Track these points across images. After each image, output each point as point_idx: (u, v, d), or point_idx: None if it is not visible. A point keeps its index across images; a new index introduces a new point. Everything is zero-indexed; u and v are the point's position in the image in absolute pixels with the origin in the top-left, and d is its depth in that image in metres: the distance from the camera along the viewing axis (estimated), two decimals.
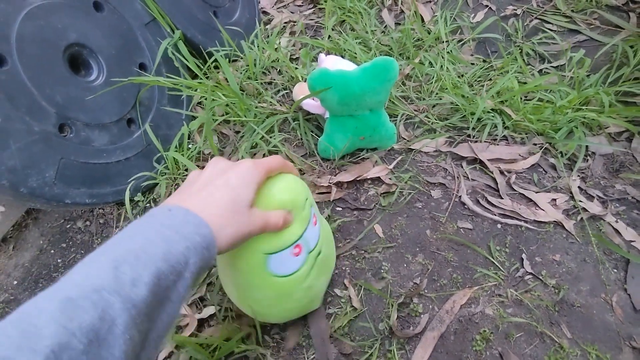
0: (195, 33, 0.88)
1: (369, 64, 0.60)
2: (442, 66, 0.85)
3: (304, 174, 0.72)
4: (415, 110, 0.80)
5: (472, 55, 0.92)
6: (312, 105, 0.72)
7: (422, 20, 1.00)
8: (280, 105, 0.83)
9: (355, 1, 1.04)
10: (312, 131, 0.77)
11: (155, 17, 0.81)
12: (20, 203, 0.77)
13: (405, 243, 0.62)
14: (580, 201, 0.64)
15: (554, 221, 0.62)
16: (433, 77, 0.84)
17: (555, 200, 0.65)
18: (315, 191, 0.69)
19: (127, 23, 0.76)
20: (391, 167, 0.71)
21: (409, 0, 1.05)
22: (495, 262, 0.59)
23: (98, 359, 0.24)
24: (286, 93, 0.87)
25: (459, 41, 0.95)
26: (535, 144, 0.72)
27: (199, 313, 0.57)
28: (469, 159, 0.72)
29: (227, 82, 0.80)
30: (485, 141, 0.73)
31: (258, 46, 0.94)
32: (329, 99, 0.62)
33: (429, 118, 0.78)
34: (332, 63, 0.71)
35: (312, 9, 1.14)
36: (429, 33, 0.95)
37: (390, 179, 0.69)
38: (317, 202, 0.68)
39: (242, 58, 0.95)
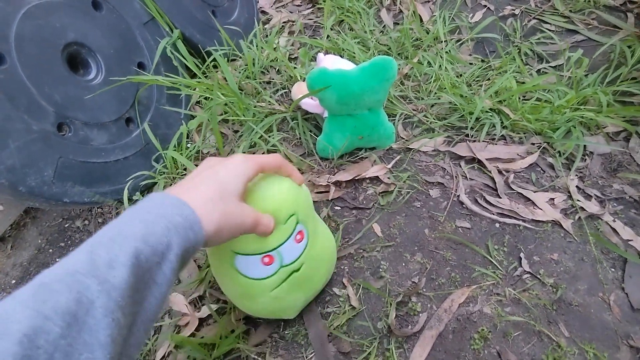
0: (194, 32, 0.88)
1: (368, 63, 0.60)
2: (440, 66, 0.85)
3: (303, 173, 0.72)
4: (413, 110, 0.80)
5: (470, 55, 0.93)
6: (311, 104, 0.72)
7: (421, 20, 1.01)
8: (279, 104, 0.83)
9: (354, 1, 1.04)
10: (310, 130, 0.77)
11: (154, 17, 0.81)
12: (19, 202, 0.77)
13: (403, 242, 0.62)
14: (578, 200, 0.64)
15: (552, 220, 0.62)
16: (431, 77, 0.84)
17: (553, 199, 0.65)
18: (313, 190, 0.69)
19: (125, 22, 0.76)
20: (390, 166, 0.71)
21: (408, 0, 1.05)
22: (494, 261, 0.59)
23: (81, 344, 0.23)
24: (285, 92, 0.87)
25: (458, 41, 0.95)
26: (533, 144, 0.72)
27: (197, 312, 0.57)
28: (468, 159, 0.72)
29: (226, 81, 0.80)
30: (483, 141, 0.73)
31: (257, 46, 0.94)
32: (328, 98, 0.62)
33: (427, 117, 0.78)
34: (330, 62, 0.71)
35: (311, 9, 1.14)
36: (428, 33, 0.95)
37: (388, 178, 0.69)
38: (315, 202, 0.68)
39: (240, 57, 0.95)
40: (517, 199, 0.66)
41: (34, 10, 0.62)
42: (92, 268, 0.26)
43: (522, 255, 0.59)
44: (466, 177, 0.69)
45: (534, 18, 0.97)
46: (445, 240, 0.62)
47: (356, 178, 0.70)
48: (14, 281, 0.73)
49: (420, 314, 0.55)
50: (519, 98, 0.77)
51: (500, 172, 0.69)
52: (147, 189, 0.76)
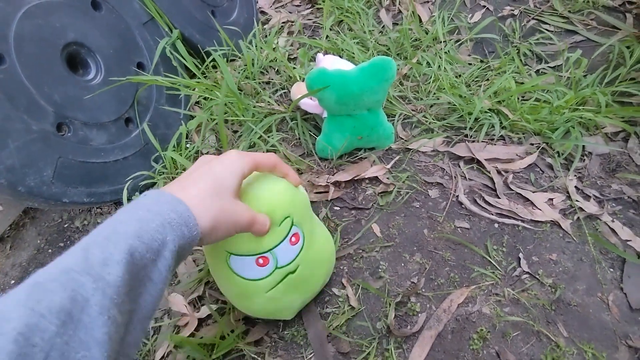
0: (193, 32, 0.88)
1: (367, 63, 0.60)
2: (439, 66, 0.85)
3: (302, 173, 0.72)
4: (412, 110, 0.80)
5: (469, 55, 0.93)
6: (310, 104, 0.72)
7: (420, 20, 1.01)
8: (278, 104, 0.83)
9: (353, 1, 1.04)
10: (310, 131, 0.77)
11: (154, 17, 0.81)
12: (18, 202, 0.77)
13: (402, 242, 0.62)
14: (576, 201, 0.64)
15: (551, 221, 0.62)
16: (431, 77, 0.84)
17: (552, 199, 0.65)
18: (312, 190, 0.69)
19: (125, 22, 0.76)
20: (389, 166, 0.71)
21: (407, 1, 1.05)
22: (493, 262, 0.59)
23: (77, 342, 0.23)
24: (284, 93, 0.88)
25: (457, 41, 0.95)
26: (532, 144, 0.73)
27: (197, 312, 0.57)
28: (467, 159, 0.72)
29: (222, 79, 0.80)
30: (482, 141, 0.73)
31: (256, 46, 0.94)
32: (327, 99, 0.62)
33: (426, 118, 0.78)
34: (330, 63, 0.71)
35: (310, 9, 1.14)
36: (427, 33, 0.95)
37: (387, 178, 0.69)
38: (314, 202, 0.68)
39: (240, 58, 0.95)
40: (516, 199, 0.66)
41: (34, 10, 0.62)
42: (86, 266, 0.26)
43: (521, 255, 0.59)
44: (465, 177, 0.69)
45: (532, 18, 0.97)
46: (444, 240, 0.62)
47: (355, 178, 0.70)
48: (13, 281, 0.73)
49: (419, 314, 0.55)
50: (518, 98, 0.78)
51: (499, 172, 0.69)
52: (147, 189, 0.75)
